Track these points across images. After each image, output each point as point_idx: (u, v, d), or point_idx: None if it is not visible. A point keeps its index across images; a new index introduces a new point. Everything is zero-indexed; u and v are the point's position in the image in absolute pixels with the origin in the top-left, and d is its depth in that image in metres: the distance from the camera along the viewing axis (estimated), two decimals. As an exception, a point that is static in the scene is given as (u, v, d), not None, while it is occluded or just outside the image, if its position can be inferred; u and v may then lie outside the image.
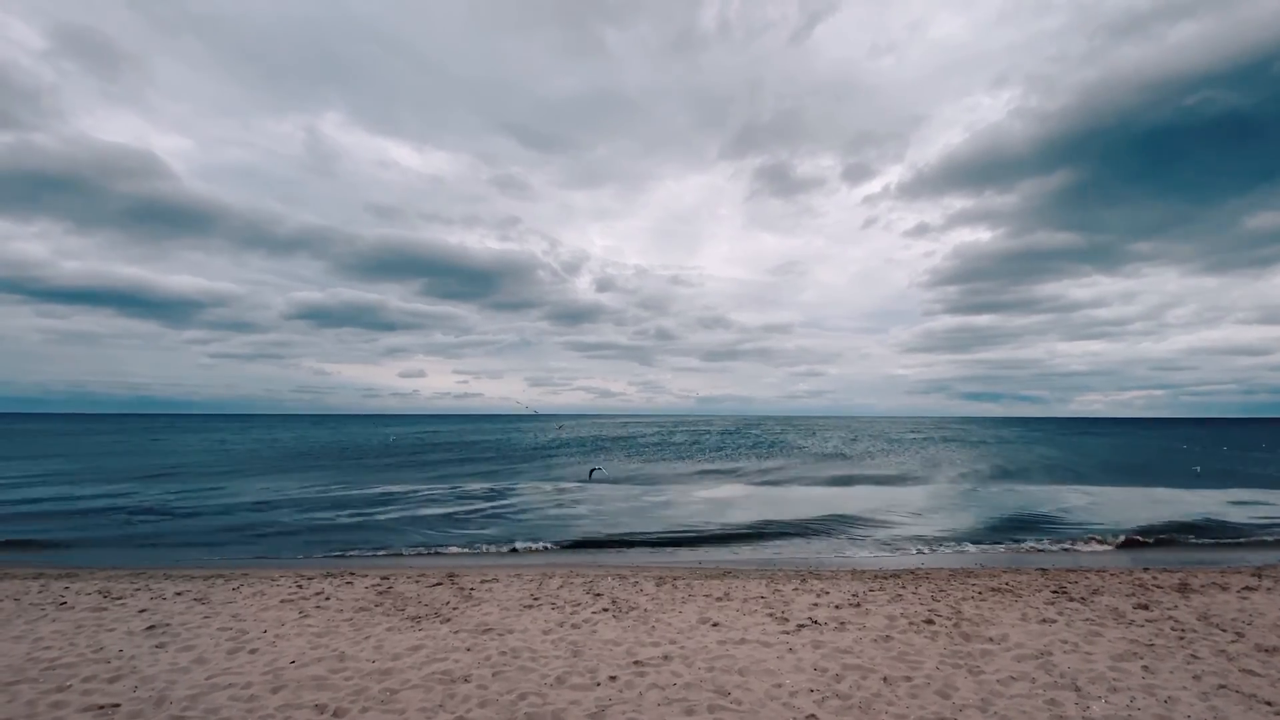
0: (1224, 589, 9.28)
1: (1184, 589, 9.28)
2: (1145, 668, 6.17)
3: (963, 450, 50.26)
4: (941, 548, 14.32)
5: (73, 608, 8.34)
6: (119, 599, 8.78)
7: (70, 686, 5.74)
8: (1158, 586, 9.46)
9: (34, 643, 6.94)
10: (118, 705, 5.38)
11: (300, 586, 9.55)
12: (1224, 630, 7.34)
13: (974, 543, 14.78)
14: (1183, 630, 7.33)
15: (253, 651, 6.68)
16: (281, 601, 8.67)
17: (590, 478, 26.62)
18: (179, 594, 9.04)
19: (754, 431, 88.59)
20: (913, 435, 78.71)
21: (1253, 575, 10.35)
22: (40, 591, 9.21)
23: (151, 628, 7.48)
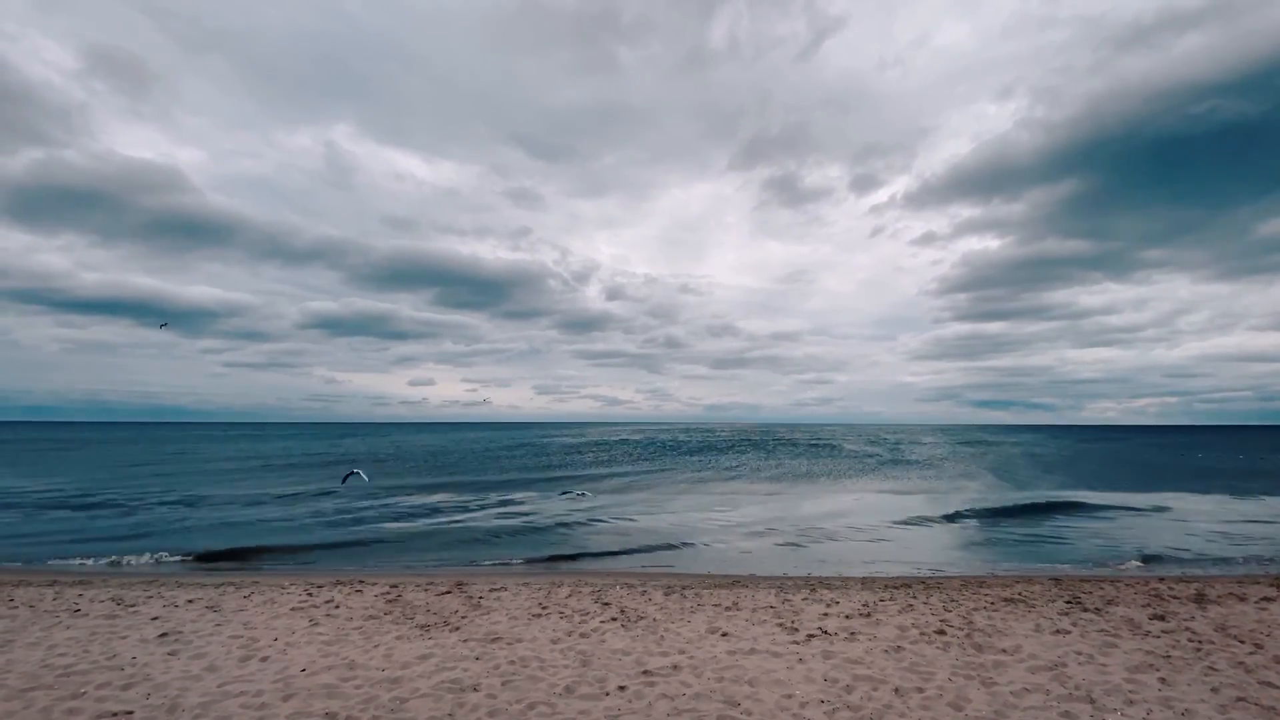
0: (1242, 599, 9.12)
1: (1201, 599, 9.13)
2: (1162, 679, 6.08)
3: (1089, 461, 48.94)
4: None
5: (87, 615, 8.42)
6: (132, 606, 8.85)
7: (84, 694, 5.80)
8: (1174, 597, 9.32)
9: (49, 650, 7.02)
10: (131, 712, 5.43)
11: (310, 595, 9.59)
12: (1242, 641, 7.21)
13: None
14: (1200, 641, 7.22)
15: (264, 659, 6.72)
16: (292, 610, 8.71)
17: (345, 482, 20.65)
18: (191, 602, 9.10)
19: (785, 439, 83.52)
20: (974, 443, 76.06)
21: (1271, 585, 10.16)
22: (55, 599, 9.30)
23: (164, 635, 7.54)
